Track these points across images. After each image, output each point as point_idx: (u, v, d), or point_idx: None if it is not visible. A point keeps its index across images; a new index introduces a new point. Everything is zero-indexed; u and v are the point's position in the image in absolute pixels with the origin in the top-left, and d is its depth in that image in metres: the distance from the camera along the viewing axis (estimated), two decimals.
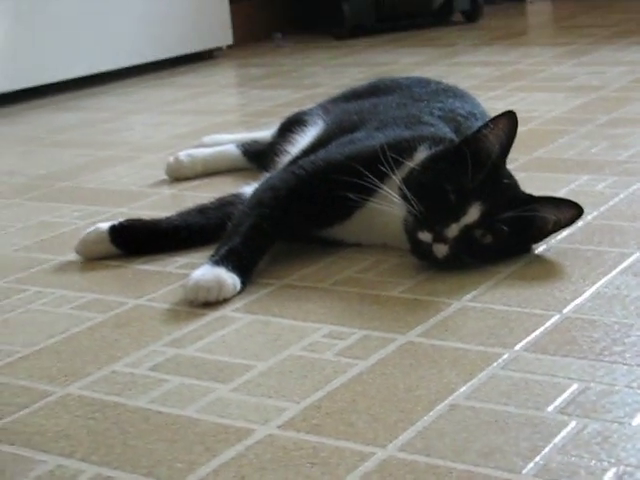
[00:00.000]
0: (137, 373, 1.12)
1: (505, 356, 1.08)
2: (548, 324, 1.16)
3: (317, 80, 2.93)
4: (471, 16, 3.95)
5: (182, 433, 0.98)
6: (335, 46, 3.64)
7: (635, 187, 1.64)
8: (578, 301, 1.22)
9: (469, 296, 1.26)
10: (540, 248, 1.40)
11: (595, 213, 1.53)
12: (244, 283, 1.33)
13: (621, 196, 1.60)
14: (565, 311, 1.19)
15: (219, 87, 3.09)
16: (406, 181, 1.37)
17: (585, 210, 1.38)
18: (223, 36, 3.60)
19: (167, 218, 1.53)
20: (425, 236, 1.32)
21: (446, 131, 1.51)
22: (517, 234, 1.34)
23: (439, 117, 1.58)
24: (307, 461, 0.91)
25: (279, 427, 0.97)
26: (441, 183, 1.34)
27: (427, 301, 1.26)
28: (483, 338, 1.13)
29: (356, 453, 0.91)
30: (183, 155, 1.95)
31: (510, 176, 1.39)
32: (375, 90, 1.81)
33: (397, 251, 1.41)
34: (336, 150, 1.49)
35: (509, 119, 1.35)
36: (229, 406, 1.02)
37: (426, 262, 1.35)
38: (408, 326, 1.18)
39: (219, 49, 3.61)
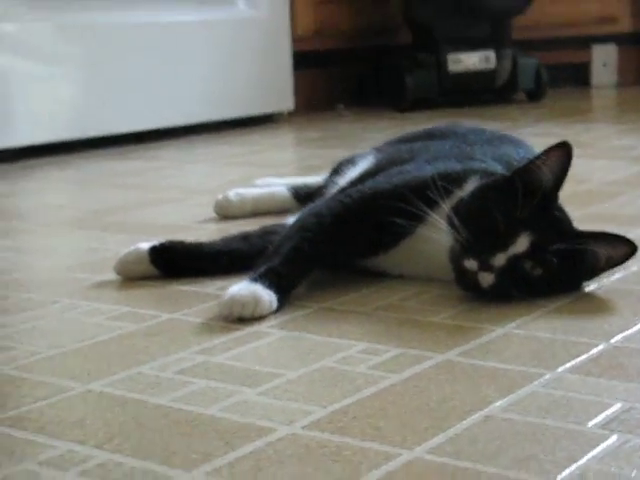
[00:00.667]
0: (162, 375, 1.08)
1: (547, 376, 1.03)
2: (594, 351, 1.10)
3: (373, 142, 2.90)
4: (535, 95, 3.93)
5: (201, 429, 0.93)
6: (396, 117, 3.63)
7: None
8: (627, 333, 1.16)
9: (513, 324, 1.21)
10: (591, 286, 1.34)
11: None
12: (281, 302, 1.29)
13: None
14: (613, 341, 1.13)
15: (276, 146, 3.09)
16: (455, 209, 1.33)
17: None
18: (285, 102, 3.61)
19: (209, 242, 1.51)
20: (471, 264, 1.28)
21: (498, 168, 1.47)
22: (567, 268, 1.29)
23: (492, 158, 1.54)
24: (329, 458, 0.86)
25: (303, 427, 0.92)
26: (490, 212, 1.30)
27: (469, 327, 1.21)
28: (525, 360, 1.08)
29: (381, 453, 0.86)
30: (232, 194, 1.93)
31: (562, 210, 1.34)
32: (430, 135, 1.78)
33: (440, 282, 1.36)
34: (384, 179, 1.46)
35: (563, 150, 1.31)
36: (253, 408, 0.98)
37: (471, 292, 1.30)
38: (447, 347, 1.13)
39: (280, 114, 3.62)
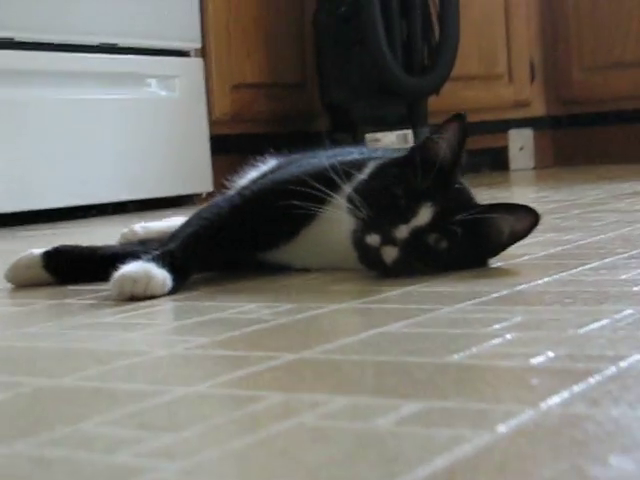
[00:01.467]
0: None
1: (445, 309, 0.98)
2: (496, 295, 1.06)
3: None
4: None
5: (73, 354, 0.87)
6: None
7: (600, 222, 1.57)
8: (534, 283, 1.12)
9: (416, 285, 1.16)
10: (497, 264, 1.30)
11: (559, 248, 1.44)
12: (176, 285, 1.23)
13: (583, 242, 1.52)
14: (517, 288, 1.09)
15: None
16: (355, 189, 1.29)
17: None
18: (203, 184, 3.58)
19: (106, 245, 1.45)
20: (373, 239, 1.23)
21: None
22: (471, 239, 1.25)
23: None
24: (209, 363, 0.80)
25: (184, 349, 0.86)
26: (390, 187, 1.26)
27: (370, 290, 1.16)
28: (425, 303, 1.03)
29: (263, 357, 0.80)
30: (138, 226, 1.87)
31: (462, 183, 1.31)
32: None
33: (346, 270, 1.31)
34: (284, 172, 1.43)
35: (458, 123, 1.29)
36: (132, 341, 0.92)
37: (376, 271, 1.25)
38: (345, 301, 1.08)
39: (198, 196, 3.59)
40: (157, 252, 1.25)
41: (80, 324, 1.04)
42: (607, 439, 0.53)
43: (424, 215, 1.23)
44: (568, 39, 4.49)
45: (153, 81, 3.44)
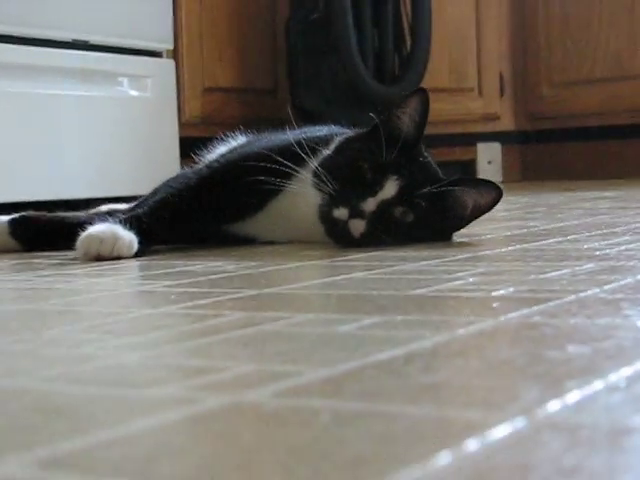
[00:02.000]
0: None
1: (406, 265, 0.99)
2: (460, 256, 1.07)
3: None
4: None
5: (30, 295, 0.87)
6: None
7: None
8: (497, 251, 1.14)
9: (382, 251, 1.17)
10: (461, 239, 1.32)
11: (524, 230, 1.46)
12: (142, 248, 1.22)
13: (547, 227, 1.54)
14: (480, 254, 1.11)
15: None
16: (321, 164, 1.30)
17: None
18: None
19: (73, 214, 1.45)
20: (341, 212, 1.23)
21: None
22: (436, 213, 1.26)
23: None
24: (176, 296, 0.81)
25: (152, 287, 0.87)
26: (356, 160, 1.27)
27: (335, 254, 1.16)
28: (385, 261, 1.04)
29: (228, 292, 0.81)
30: (105, 207, 1.88)
31: (427, 157, 1.33)
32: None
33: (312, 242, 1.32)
34: (252, 147, 1.43)
35: (420, 97, 1.31)
36: (99, 284, 0.92)
37: (343, 244, 1.25)
38: (309, 260, 1.09)
39: None
40: (124, 216, 1.25)
41: (47, 274, 1.04)
42: (564, 336, 0.54)
43: (390, 188, 1.24)
44: (538, 54, 4.54)
45: (125, 80, 3.44)
